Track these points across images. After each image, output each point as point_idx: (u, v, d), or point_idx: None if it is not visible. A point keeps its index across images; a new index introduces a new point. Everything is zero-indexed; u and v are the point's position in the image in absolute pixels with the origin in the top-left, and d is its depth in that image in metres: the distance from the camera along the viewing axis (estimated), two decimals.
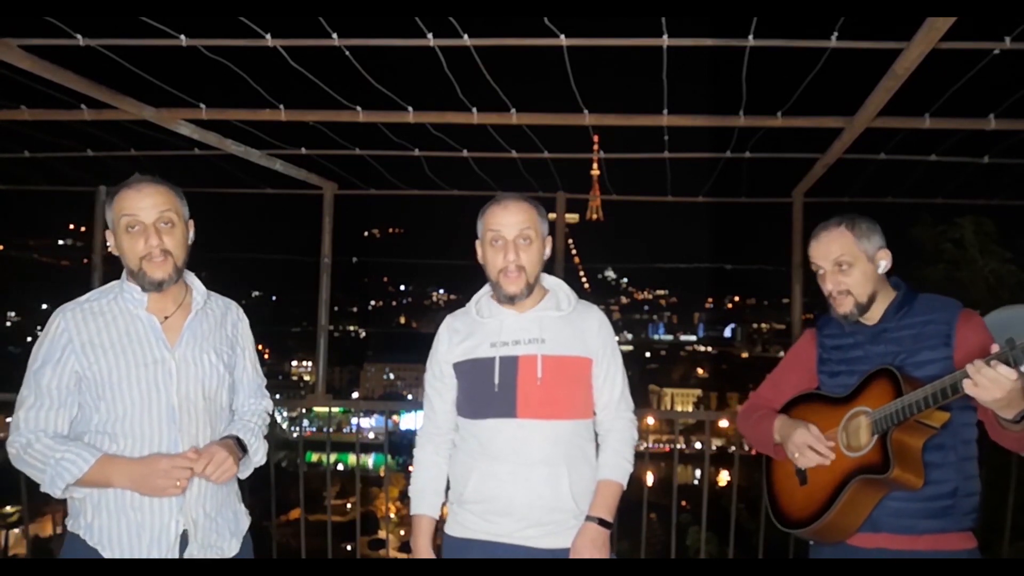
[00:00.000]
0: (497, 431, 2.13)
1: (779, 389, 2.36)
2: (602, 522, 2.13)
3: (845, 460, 2.05)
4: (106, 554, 1.85)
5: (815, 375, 2.27)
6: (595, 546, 2.10)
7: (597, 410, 2.24)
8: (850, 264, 2.07)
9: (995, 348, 1.73)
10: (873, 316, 2.12)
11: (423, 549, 2.24)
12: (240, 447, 2.03)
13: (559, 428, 2.12)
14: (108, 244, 2.01)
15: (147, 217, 1.91)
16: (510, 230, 2.13)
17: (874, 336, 2.11)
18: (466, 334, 2.23)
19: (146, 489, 1.83)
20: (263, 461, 2.16)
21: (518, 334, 2.16)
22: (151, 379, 1.90)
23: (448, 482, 2.31)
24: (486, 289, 2.28)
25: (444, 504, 2.34)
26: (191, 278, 2.08)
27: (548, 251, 2.23)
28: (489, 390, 2.13)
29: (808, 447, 2.10)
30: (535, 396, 2.11)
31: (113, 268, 2.15)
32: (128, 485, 1.83)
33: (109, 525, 1.87)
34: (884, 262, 2.10)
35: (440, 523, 2.31)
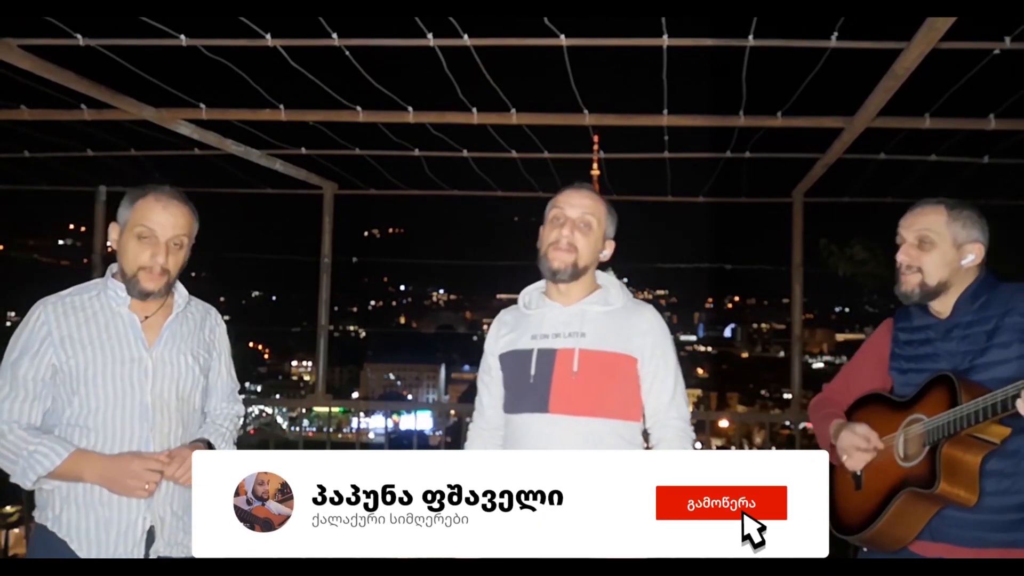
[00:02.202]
0: (528, 426, 2.06)
1: (849, 382, 2.21)
2: None
3: (897, 469, 1.93)
4: (74, 546, 1.88)
5: (888, 370, 2.09)
6: None
7: (646, 415, 2.15)
8: (932, 243, 1.91)
9: None
10: (946, 309, 1.94)
11: None
12: (210, 450, 2.03)
13: (594, 426, 2.02)
14: (110, 239, 2.01)
15: (163, 234, 1.94)
16: (574, 210, 2.11)
17: (946, 332, 1.93)
18: (512, 326, 2.20)
19: (115, 488, 1.85)
20: None
21: (559, 327, 2.10)
22: (126, 376, 1.92)
23: None
24: (537, 284, 2.25)
25: None
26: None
27: (608, 253, 2.18)
28: (525, 383, 2.07)
29: (855, 448, 1.99)
30: (569, 391, 2.03)
31: None
32: (98, 482, 1.85)
33: (77, 519, 1.88)
34: (972, 256, 1.90)
35: None
